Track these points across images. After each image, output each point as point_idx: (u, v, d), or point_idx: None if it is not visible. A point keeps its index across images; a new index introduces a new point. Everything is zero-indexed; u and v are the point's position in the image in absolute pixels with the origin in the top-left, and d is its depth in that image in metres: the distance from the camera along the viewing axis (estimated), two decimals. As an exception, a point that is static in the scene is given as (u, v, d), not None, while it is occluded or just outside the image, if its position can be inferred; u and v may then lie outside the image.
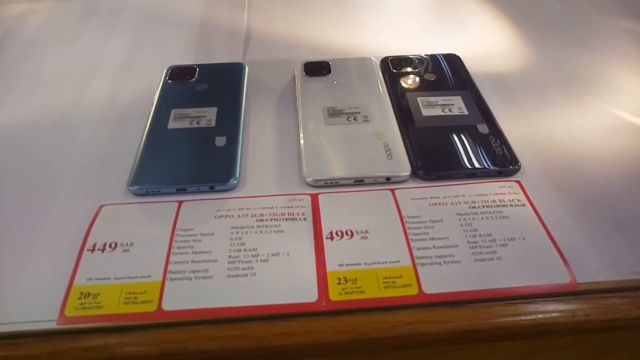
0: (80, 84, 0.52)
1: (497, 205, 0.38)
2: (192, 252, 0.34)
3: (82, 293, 0.32)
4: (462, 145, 0.42)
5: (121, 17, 0.64)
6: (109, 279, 0.33)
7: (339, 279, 0.33)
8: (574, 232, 0.36)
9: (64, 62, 0.56)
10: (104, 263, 0.34)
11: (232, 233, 0.36)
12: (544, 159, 0.42)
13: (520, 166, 0.41)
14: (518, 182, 0.40)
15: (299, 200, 0.38)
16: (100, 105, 0.49)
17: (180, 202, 0.38)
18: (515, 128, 0.45)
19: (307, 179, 0.40)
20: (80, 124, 0.47)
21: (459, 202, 0.38)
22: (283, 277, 0.33)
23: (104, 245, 0.35)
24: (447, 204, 0.38)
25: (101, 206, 0.38)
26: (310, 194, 0.39)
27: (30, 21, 0.63)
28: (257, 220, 0.37)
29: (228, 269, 0.33)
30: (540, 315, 0.31)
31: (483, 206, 0.38)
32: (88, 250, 0.35)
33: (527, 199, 0.38)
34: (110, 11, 0.65)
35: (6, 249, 0.35)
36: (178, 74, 0.51)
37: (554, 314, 0.31)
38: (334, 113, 0.46)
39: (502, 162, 0.41)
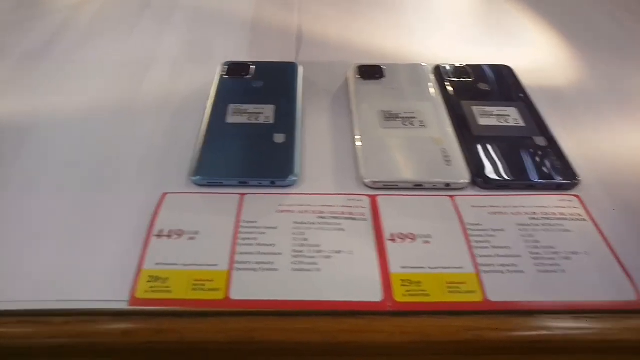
0: (136, 76, 0.53)
1: (558, 219, 0.38)
2: (257, 244, 0.35)
3: (151, 277, 0.32)
4: (521, 156, 0.42)
5: (174, 11, 0.65)
6: (177, 265, 0.33)
7: (403, 280, 0.33)
8: (637, 249, 0.36)
9: (119, 53, 0.57)
10: (171, 249, 0.34)
11: (294, 228, 0.36)
12: (603, 174, 0.42)
13: (579, 180, 0.41)
14: (577, 196, 0.40)
15: (358, 200, 0.39)
16: (157, 96, 0.50)
17: (242, 195, 0.39)
18: (572, 142, 0.45)
19: (365, 180, 0.40)
20: (139, 114, 0.47)
21: (519, 213, 0.38)
22: (347, 274, 0.33)
23: (170, 232, 0.35)
24: (507, 213, 0.38)
25: (164, 194, 0.38)
26: (368, 195, 0.39)
27: (85, 11, 0.64)
28: (317, 217, 0.37)
29: (292, 262, 0.34)
30: (606, 331, 0.31)
31: (543, 218, 0.38)
32: (155, 236, 0.35)
33: (587, 214, 0.38)
34: (163, 4, 0.66)
35: (75, 232, 0.36)
36: (234, 70, 0.52)
37: (619, 330, 0.31)
38: (389, 117, 0.46)
39: (561, 175, 0.41)
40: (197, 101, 0.48)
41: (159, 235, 0.35)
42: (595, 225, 0.38)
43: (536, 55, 0.58)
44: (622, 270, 0.34)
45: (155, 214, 0.37)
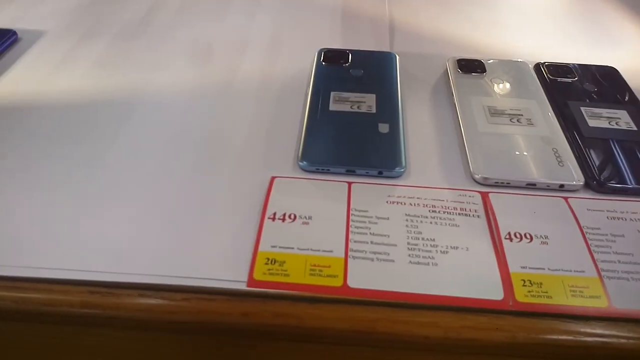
0: (233, 56, 0.53)
1: (681, 227, 0.36)
2: (370, 233, 0.35)
3: (268, 259, 0.33)
4: (636, 160, 0.40)
5: (264, -2, 0.65)
6: (293, 248, 0.33)
7: (524, 281, 0.32)
8: None
9: (214, 33, 0.57)
10: (286, 232, 0.34)
11: (406, 220, 0.36)
12: None
13: (702, 190, 0.39)
14: (699, 206, 0.38)
15: (469, 196, 0.38)
16: (255, 80, 0.50)
17: (349, 183, 0.38)
18: (688, 150, 0.42)
19: (476, 176, 0.39)
20: (240, 96, 0.48)
21: (639, 219, 0.37)
22: (465, 271, 0.33)
23: (284, 215, 0.35)
24: (626, 219, 0.37)
25: (273, 178, 0.39)
26: (479, 192, 0.38)
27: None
28: (429, 210, 0.37)
29: (409, 255, 0.33)
30: None
31: (666, 227, 0.36)
32: (269, 218, 0.35)
33: None
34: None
35: (188, 210, 0.36)
36: (331, 58, 0.51)
37: None
38: (495, 112, 0.45)
39: (682, 183, 0.39)
40: (296, 87, 0.49)
41: (272, 218, 0.35)
42: None
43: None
44: None
45: (267, 196, 0.37)
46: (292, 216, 0.35)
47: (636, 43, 0.58)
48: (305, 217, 0.35)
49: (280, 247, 0.33)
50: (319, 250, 0.33)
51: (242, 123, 0.44)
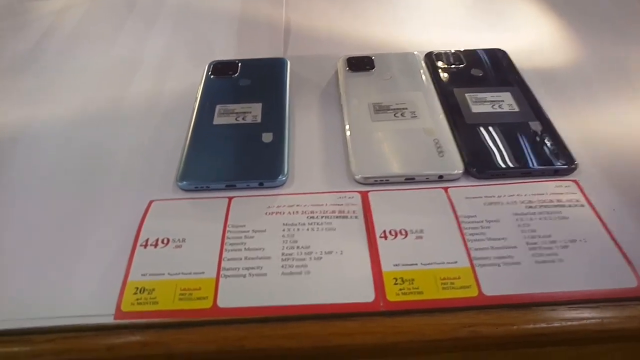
0: (122, 80, 0.52)
1: (555, 206, 0.37)
2: (245, 249, 0.34)
3: (137, 288, 0.32)
4: (516, 142, 0.41)
5: (161, 11, 0.64)
6: (163, 274, 0.33)
7: (396, 279, 0.32)
8: (638, 233, 0.35)
9: (106, 57, 0.56)
10: (157, 259, 0.34)
11: (283, 230, 0.35)
12: (601, 157, 0.41)
13: (577, 165, 0.39)
14: (575, 181, 0.39)
15: (349, 197, 0.38)
16: (143, 100, 0.49)
17: (230, 198, 0.38)
18: (569, 125, 0.43)
19: (356, 177, 0.39)
20: (125, 119, 0.47)
21: (515, 202, 0.37)
22: (338, 276, 0.32)
23: (157, 240, 0.35)
24: (502, 203, 0.37)
25: (151, 202, 0.38)
26: (359, 192, 0.38)
27: (70, 16, 0.63)
28: (307, 217, 0.36)
29: (282, 266, 0.33)
30: (607, 320, 0.30)
31: (540, 206, 0.37)
32: (141, 245, 0.34)
33: (585, 199, 0.37)
34: (149, 5, 0.65)
35: (59, 244, 0.35)
36: (220, 69, 0.51)
37: (621, 319, 0.30)
38: (380, 109, 0.45)
39: (557, 160, 0.40)
40: (185, 103, 0.48)
41: (144, 245, 0.34)
42: (594, 210, 0.36)
43: (531, 37, 0.56)
44: (622, 256, 0.33)
45: (141, 222, 0.36)
46: (165, 240, 0.35)
47: (528, 24, 0.59)
48: (179, 240, 0.35)
49: (150, 274, 0.33)
50: (189, 274, 0.33)
51: (126, 147, 0.43)
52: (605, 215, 0.36)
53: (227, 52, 0.56)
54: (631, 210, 0.36)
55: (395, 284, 0.32)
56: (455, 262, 0.33)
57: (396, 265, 0.33)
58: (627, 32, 0.56)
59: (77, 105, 0.48)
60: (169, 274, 0.33)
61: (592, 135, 0.43)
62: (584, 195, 0.37)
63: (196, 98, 0.47)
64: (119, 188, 0.39)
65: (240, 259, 0.33)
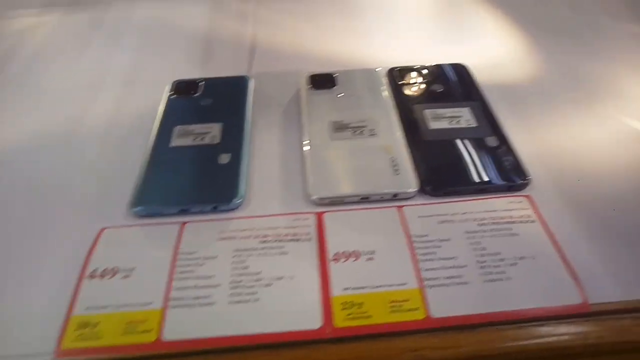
0: (83, 101, 0.51)
1: (506, 222, 0.37)
2: (194, 277, 0.34)
3: (80, 323, 0.31)
4: (471, 159, 0.41)
5: (126, 30, 0.64)
6: (109, 307, 0.32)
7: (344, 303, 0.32)
8: (586, 249, 0.35)
9: (67, 77, 0.55)
10: (104, 290, 0.33)
11: (234, 256, 0.35)
12: (555, 171, 0.41)
13: (529, 180, 0.39)
14: (528, 196, 0.39)
15: (304, 219, 0.38)
16: (103, 122, 0.49)
17: (183, 224, 0.38)
18: (525, 139, 0.43)
19: (312, 197, 0.39)
20: (83, 142, 0.46)
21: (467, 220, 0.37)
22: (286, 302, 0.32)
23: (104, 271, 0.34)
24: (455, 221, 0.37)
25: (102, 229, 0.38)
26: (315, 213, 0.38)
27: (34, 36, 0.63)
28: (260, 241, 0.36)
29: (230, 294, 0.33)
30: (553, 339, 0.30)
31: (492, 223, 0.37)
32: (87, 277, 0.34)
33: (536, 214, 0.37)
34: (115, 24, 0.65)
35: (5, 280, 0.35)
36: (182, 89, 0.51)
37: (566, 337, 0.30)
38: (339, 127, 0.45)
39: (511, 176, 0.40)
40: (146, 125, 0.47)
41: (91, 276, 0.34)
42: (544, 225, 0.37)
43: (494, 51, 0.57)
44: (569, 272, 0.33)
45: (90, 252, 0.36)
46: (113, 270, 0.34)
47: (491, 37, 0.59)
48: (127, 270, 0.34)
49: (95, 308, 0.32)
50: (136, 305, 0.32)
51: (80, 172, 0.43)
52: (556, 231, 0.36)
53: (192, 71, 0.56)
54: (580, 225, 0.36)
55: (344, 308, 0.32)
56: (405, 284, 0.33)
57: (346, 289, 0.33)
58: (590, 43, 0.57)
59: (34, 128, 0.48)
60: (115, 306, 0.32)
61: (547, 150, 0.43)
62: (536, 210, 0.38)
63: (156, 119, 0.47)
64: (71, 215, 0.39)
65: (189, 287, 0.33)
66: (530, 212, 0.37)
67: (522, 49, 0.56)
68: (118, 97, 0.52)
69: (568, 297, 0.32)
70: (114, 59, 0.58)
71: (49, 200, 0.40)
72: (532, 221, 0.37)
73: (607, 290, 0.32)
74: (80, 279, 0.34)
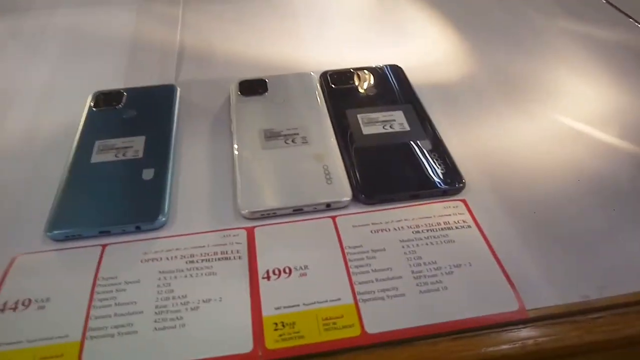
0: (-3, 115, 0.48)
1: (442, 229, 0.36)
2: (115, 304, 0.32)
3: (-12, 362, 0.29)
4: (404, 164, 0.40)
5: (46, 38, 0.60)
6: (21, 342, 0.30)
7: (276, 324, 0.31)
8: (521, 253, 0.35)
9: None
10: (15, 324, 0.30)
11: (159, 279, 0.33)
12: (489, 173, 0.41)
13: (464, 183, 0.39)
14: (463, 200, 0.38)
15: (234, 236, 0.36)
16: (18, 138, 0.45)
17: (103, 246, 0.35)
18: (460, 142, 0.43)
19: (242, 212, 0.37)
20: (-5, 161, 0.43)
21: (402, 228, 0.36)
22: (215, 326, 0.31)
23: (16, 303, 0.32)
24: (389, 229, 0.36)
25: (15, 256, 0.35)
26: (246, 228, 0.37)
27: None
28: (187, 262, 0.34)
29: (155, 320, 0.31)
30: (490, 349, 0.30)
31: (427, 230, 0.36)
32: (-2, 310, 0.31)
33: (472, 219, 0.37)
34: (34, 32, 0.61)
35: None
36: (104, 100, 0.48)
37: (504, 346, 0.30)
38: (271, 135, 0.43)
39: (446, 180, 0.39)
40: (65, 140, 0.44)
41: (2, 309, 0.31)
42: (480, 230, 0.36)
43: (428, 51, 0.56)
44: (505, 278, 0.33)
45: (1, 282, 0.33)
46: (26, 302, 0.32)
47: (426, 37, 0.59)
48: (42, 300, 0.32)
49: (6, 344, 0.30)
50: (51, 339, 0.30)
51: (-9, 195, 0.40)
52: (491, 235, 0.36)
53: (117, 81, 0.53)
54: (515, 228, 0.36)
55: (276, 329, 0.30)
56: (339, 299, 0.32)
57: (277, 308, 0.31)
58: (522, 41, 0.57)
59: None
60: (27, 341, 0.30)
61: (482, 151, 0.43)
62: (472, 215, 0.37)
63: (76, 133, 0.44)
64: (-20, 243, 0.36)
65: (110, 315, 0.31)
66: (466, 216, 0.37)
67: (455, 49, 0.56)
68: (36, 109, 0.49)
69: (505, 304, 0.32)
70: (31, 69, 0.55)
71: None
72: (468, 226, 0.36)
73: (542, 294, 0.32)
74: (-13, 313, 0.31)
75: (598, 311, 0.31)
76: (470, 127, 0.46)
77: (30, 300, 0.32)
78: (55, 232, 0.36)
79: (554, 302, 0.32)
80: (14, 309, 0.31)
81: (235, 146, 0.42)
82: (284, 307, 0.31)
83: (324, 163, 0.40)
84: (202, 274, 0.33)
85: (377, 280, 0.33)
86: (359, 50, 0.57)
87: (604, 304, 0.31)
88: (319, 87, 0.49)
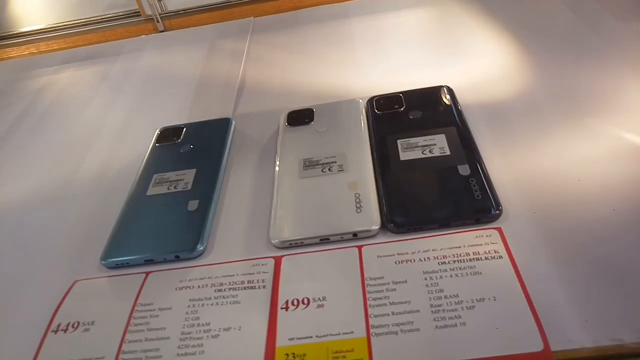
0: (78, 155, 0.54)
1: (470, 259, 0.35)
2: (147, 329, 0.34)
3: (38, 379, 0.32)
4: (437, 191, 0.39)
5: (129, 79, 0.66)
6: (68, 363, 0.33)
7: (287, 354, 0.31)
8: (554, 288, 0.32)
9: (68, 132, 0.58)
10: (62, 345, 0.34)
11: (188, 306, 0.35)
12: (532, 198, 0.38)
13: (501, 210, 0.37)
14: (499, 229, 0.37)
15: (262, 265, 0.37)
16: (93, 175, 0.51)
17: (147, 274, 0.38)
18: (504, 164, 0.41)
19: (273, 241, 0.39)
20: (73, 196, 0.48)
21: (427, 258, 0.35)
22: (230, 355, 0.32)
23: (68, 325, 0.36)
24: (414, 260, 0.35)
25: (75, 282, 0.39)
26: (274, 257, 0.38)
27: (48, 94, 0.67)
28: (215, 290, 0.36)
29: (178, 346, 0.33)
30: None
31: (454, 261, 0.35)
32: (52, 331, 0.35)
33: (506, 249, 0.35)
34: (120, 74, 0.68)
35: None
36: (166, 136, 0.52)
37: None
38: (309, 164, 0.44)
39: (481, 207, 0.37)
40: (131, 174, 0.49)
41: (55, 331, 0.35)
42: (512, 261, 0.34)
43: (486, 68, 0.54)
44: (532, 314, 0.31)
45: (59, 305, 0.37)
46: (75, 324, 0.35)
47: (479, 54, 0.57)
48: (88, 323, 0.35)
49: (55, 364, 0.33)
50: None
51: (63, 226, 0.45)
52: (524, 267, 0.34)
53: (181, 116, 0.57)
54: (551, 261, 0.34)
55: (286, 360, 0.31)
56: (352, 332, 0.32)
57: (291, 339, 0.32)
58: (594, 51, 0.53)
59: (31, 187, 0.51)
60: (70, 362, 0.33)
61: (527, 174, 0.40)
62: (505, 244, 0.35)
63: (139, 168, 0.48)
64: (49, 269, 0.41)
65: (141, 340, 0.34)
66: (498, 246, 0.35)
67: (514, 64, 0.53)
68: (111, 147, 0.54)
69: (528, 344, 0.30)
70: (114, 109, 0.61)
71: (31, 255, 0.43)
72: (500, 257, 0.35)
73: (572, 335, 0.30)
74: (45, 333, 0.35)
75: (632, 357, 0.28)
76: (517, 148, 0.43)
77: (78, 323, 0.35)
78: (108, 260, 0.40)
79: (583, 344, 0.29)
80: (65, 330, 0.35)
81: (276, 176, 0.44)
82: (297, 338, 0.32)
83: (357, 191, 0.41)
84: (227, 302, 0.35)
85: (392, 313, 0.32)
86: (413, 72, 0.56)
87: (639, 350, 0.28)
88: (364, 113, 0.50)
